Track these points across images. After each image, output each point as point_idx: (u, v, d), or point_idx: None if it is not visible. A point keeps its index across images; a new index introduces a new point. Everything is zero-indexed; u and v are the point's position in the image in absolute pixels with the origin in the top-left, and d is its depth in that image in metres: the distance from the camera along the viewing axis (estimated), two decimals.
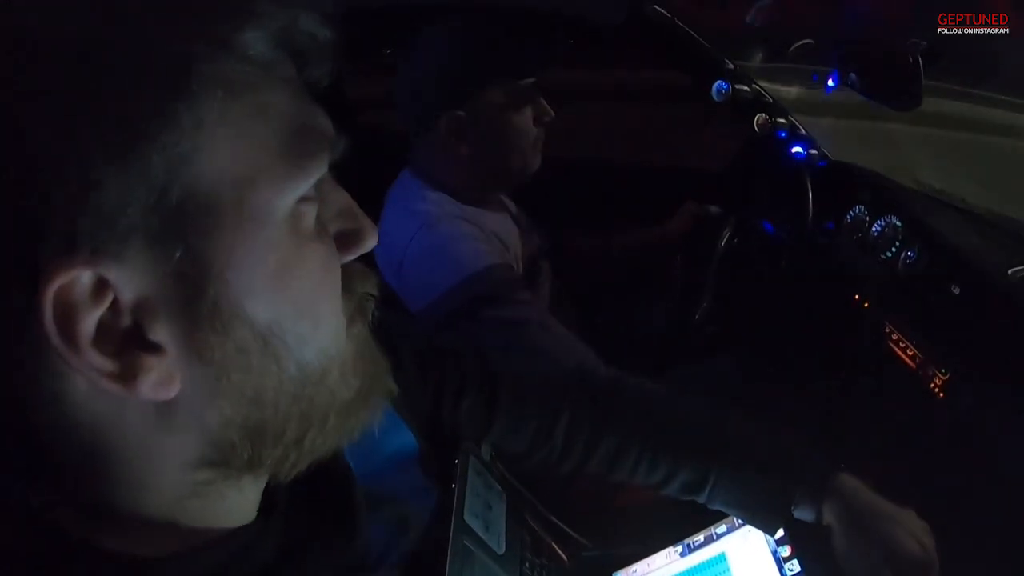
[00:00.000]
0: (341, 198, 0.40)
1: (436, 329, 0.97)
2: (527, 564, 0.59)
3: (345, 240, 0.39)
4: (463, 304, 0.95)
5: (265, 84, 0.33)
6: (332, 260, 0.38)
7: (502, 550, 0.55)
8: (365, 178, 1.17)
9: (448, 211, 1.03)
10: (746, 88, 1.38)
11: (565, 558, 0.70)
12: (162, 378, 0.32)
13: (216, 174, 0.31)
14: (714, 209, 1.45)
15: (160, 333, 0.31)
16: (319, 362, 0.37)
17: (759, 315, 1.38)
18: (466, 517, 0.52)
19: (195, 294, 0.31)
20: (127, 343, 0.31)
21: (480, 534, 0.53)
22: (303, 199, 0.35)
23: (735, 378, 1.28)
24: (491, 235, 1.03)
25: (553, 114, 1.07)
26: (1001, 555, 0.81)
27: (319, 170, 0.35)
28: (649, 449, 0.68)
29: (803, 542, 0.69)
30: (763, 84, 1.41)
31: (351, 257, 0.40)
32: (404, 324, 0.64)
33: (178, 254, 0.31)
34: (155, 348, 0.31)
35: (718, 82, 1.36)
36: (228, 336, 0.33)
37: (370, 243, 0.40)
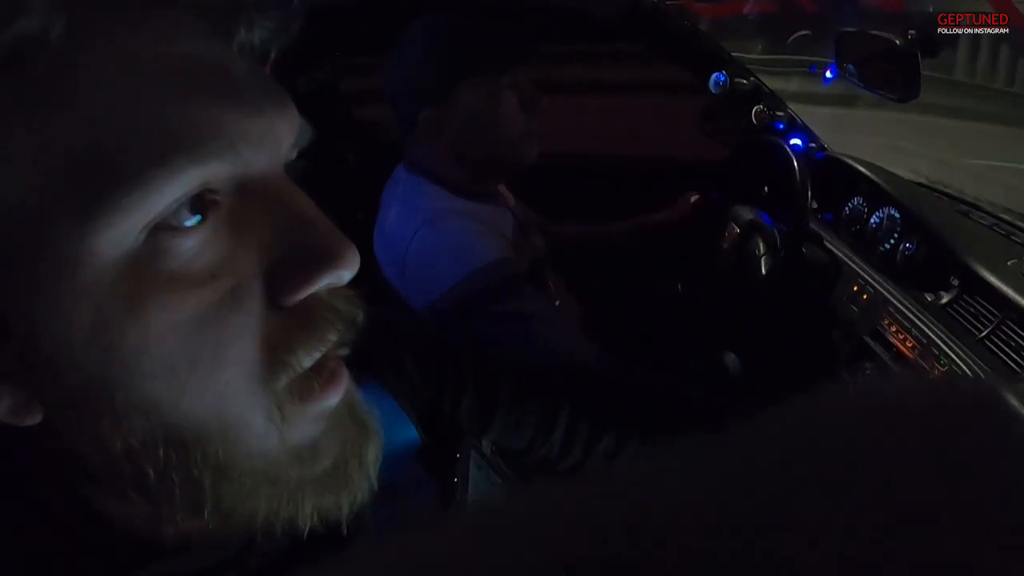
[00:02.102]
0: (287, 212, 0.30)
1: (441, 325, 0.98)
2: None
3: (286, 271, 0.29)
4: (469, 299, 0.95)
5: (58, 74, 0.25)
6: (224, 308, 0.28)
7: None
8: (362, 173, 1.17)
9: (448, 206, 1.03)
10: (744, 80, 1.37)
11: None
12: (17, 405, 0.28)
13: (9, 205, 0.25)
14: (713, 200, 1.45)
15: (3, 364, 0.28)
16: (195, 431, 0.29)
17: (757, 306, 1.38)
18: None
19: (7, 339, 0.27)
20: None
21: None
22: (163, 228, 0.26)
23: (734, 368, 1.28)
24: (492, 229, 1.03)
25: (543, 101, 1.06)
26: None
27: (169, 187, 0.26)
28: (648, 446, 0.68)
29: None
30: (761, 76, 1.41)
31: (296, 296, 0.29)
32: (404, 321, 0.64)
33: None
34: (4, 376, 0.28)
35: (716, 74, 1.36)
36: (51, 381, 0.28)
37: (327, 273, 0.29)
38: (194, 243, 0.27)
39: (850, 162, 1.32)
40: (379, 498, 0.47)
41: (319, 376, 0.31)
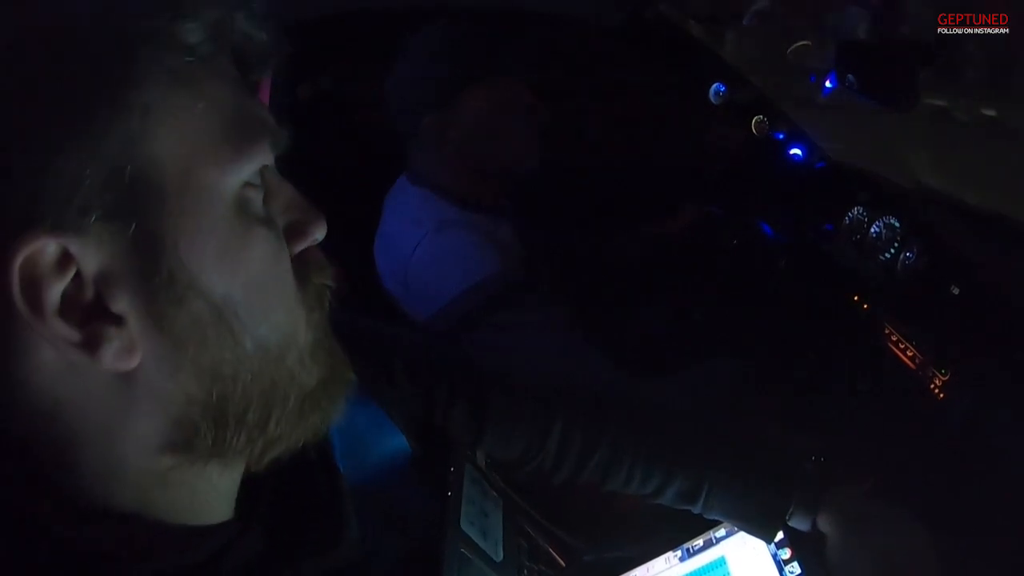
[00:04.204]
0: (288, 192, 0.42)
1: (438, 336, 0.98)
2: (525, 571, 0.59)
3: (294, 231, 0.41)
4: (469, 311, 0.95)
5: (205, 75, 0.36)
6: (280, 247, 0.39)
7: (500, 557, 0.55)
8: (364, 180, 1.17)
9: (449, 218, 1.03)
10: (744, 90, 1.38)
11: (564, 564, 0.70)
12: (124, 347, 0.34)
13: (164, 156, 0.34)
14: (714, 210, 1.45)
15: (121, 304, 0.33)
16: (275, 340, 0.38)
17: (758, 317, 1.38)
18: (462, 525, 0.52)
19: (150, 266, 0.34)
20: (90, 314, 0.33)
21: (477, 541, 0.53)
22: (248, 185, 0.37)
23: (734, 379, 1.27)
24: (493, 240, 1.03)
25: (544, 111, 1.07)
26: (1002, 556, 0.81)
27: (260, 156, 0.38)
28: (642, 459, 0.68)
29: (803, 544, 0.69)
30: (761, 86, 1.42)
31: (301, 247, 0.41)
32: (397, 334, 0.64)
33: (132, 228, 0.33)
34: (116, 319, 0.33)
35: (716, 84, 1.36)
36: (183, 307, 0.34)
37: (318, 233, 0.42)
38: (260, 197, 0.39)
39: (850, 171, 1.33)
40: (371, 507, 0.47)
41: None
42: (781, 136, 1.40)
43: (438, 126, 1.02)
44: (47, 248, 0.31)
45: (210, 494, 0.40)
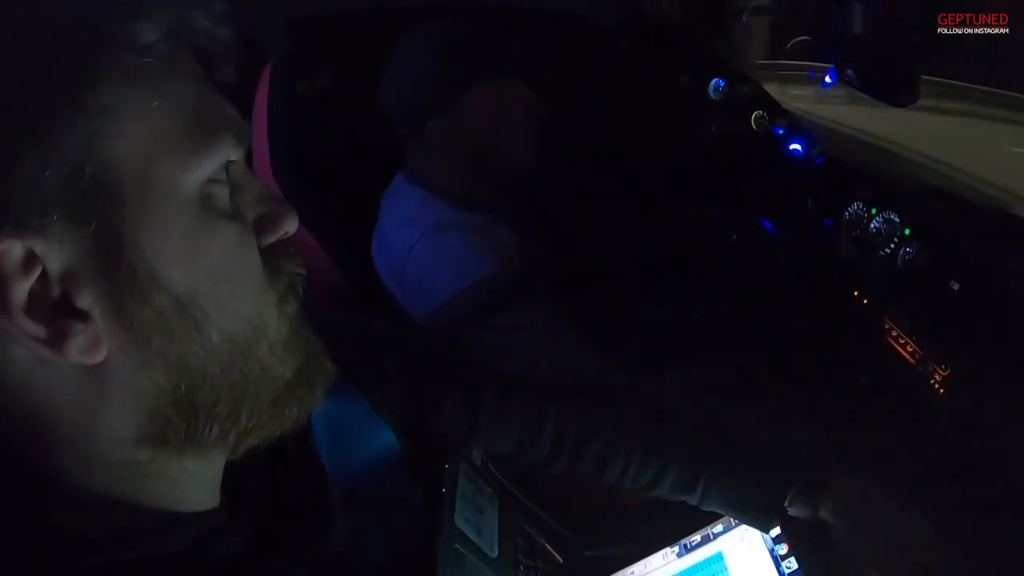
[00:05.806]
0: (258, 186, 0.43)
1: (434, 335, 0.98)
2: (521, 567, 0.59)
3: (264, 224, 0.42)
4: (467, 312, 0.95)
5: (163, 74, 0.37)
6: (245, 240, 0.40)
7: (495, 553, 0.55)
8: (364, 178, 1.17)
9: (447, 218, 1.03)
10: (743, 86, 1.37)
11: (560, 560, 0.70)
12: (89, 342, 0.34)
13: (123, 152, 0.34)
14: (713, 208, 1.45)
15: (85, 300, 0.34)
16: (243, 331, 0.39)
17: (759, 313, 1.38)
18: (457, 521, 0.52)
19: (112, 262, 0.34)
20: (56, 311, 0.34)
21: (472, 537, 0.53)
22: (212, 181, 0.38)
23: (735, 377, 1.27)
24: (490, 240, 1.03)
25: (544, 109, 1.07)
26: (1002, 553, 0.81)
27: (222, 152, 0.38)
28: (638, 451, 0.68)
29: (800, 540, 0.69)
30: (760, 81, 1.41)
31: (271, 239, 0.42)
32: (390, 332, 0.65)
33: (94, 224, 0.34)
34: (82, 315, 0.34)
35: (715, 80, 1.36)
36: (147, 302, 0.35)
37: (288, 226, 0.43)
38: (226, 192, 0.39)
39: (850, 166, 1.32)
40: (360, 504, 0.47)
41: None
42: (780, 131, 1.40)
43: (437, 128, 1.01)
44: (12, 249, 0.32)
45: (191, 484, 0.40)
